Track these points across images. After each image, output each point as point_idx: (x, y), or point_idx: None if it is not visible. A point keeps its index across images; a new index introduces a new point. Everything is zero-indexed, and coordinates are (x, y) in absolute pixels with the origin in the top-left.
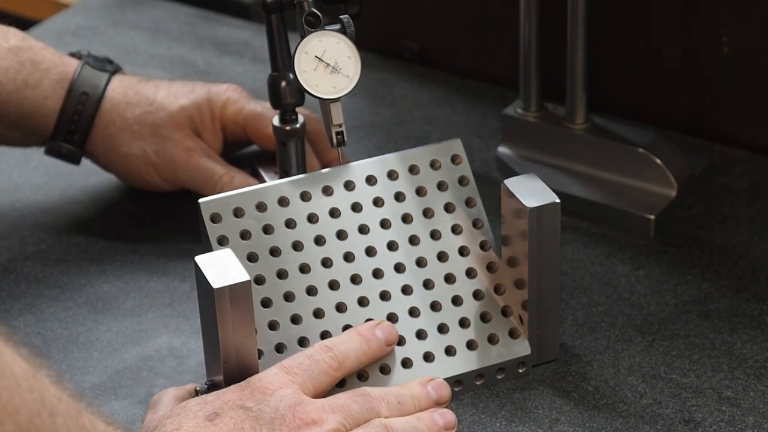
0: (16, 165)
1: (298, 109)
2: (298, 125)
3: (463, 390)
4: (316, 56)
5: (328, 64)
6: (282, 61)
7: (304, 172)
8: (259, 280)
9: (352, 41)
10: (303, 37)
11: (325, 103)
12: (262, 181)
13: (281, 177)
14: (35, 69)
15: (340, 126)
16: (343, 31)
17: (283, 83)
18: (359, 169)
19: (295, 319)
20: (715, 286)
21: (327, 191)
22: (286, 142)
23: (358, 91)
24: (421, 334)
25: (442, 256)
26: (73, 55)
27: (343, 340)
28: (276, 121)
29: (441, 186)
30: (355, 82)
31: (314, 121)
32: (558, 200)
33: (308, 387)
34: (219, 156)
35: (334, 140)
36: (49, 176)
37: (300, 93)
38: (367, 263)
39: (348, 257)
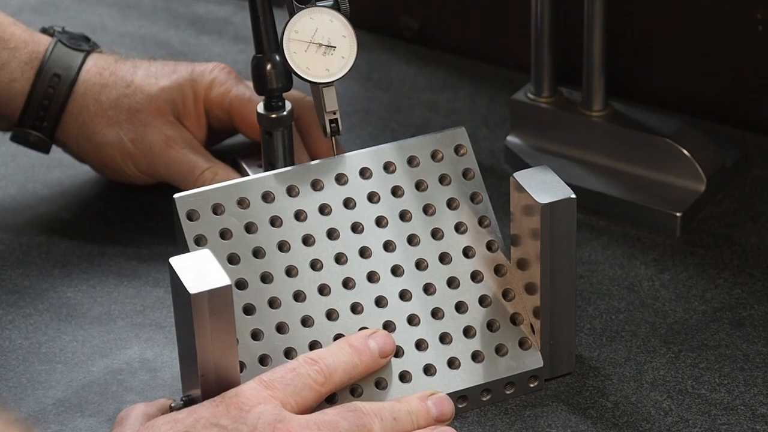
0: None
1: (290, 92)
2: (285, 113)
3: (467, 406)
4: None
5: (320, 45)
6: (267, 41)
7: (291, 165)
8: (240, 285)
9: (347, 19)
10: (292, 14)
11: (317, 88)
12: (245, 175)
13: (266, 171)
14: (2, 48)
15: (335, 113)
16: (336, 7)
17: (269, 66)
18: (352, 160)
19: (281, 328)
20: (748, 291)
21: (316, 185)
22: (271, 132)
23: (351, 74)
24: (420, 345)
25: (444, 258)
26: (45, 31)
27: (331, 351)
28: (261, 108)
29: (443, 180)
30: (350, 64)
31: (304, 106)
32: (573, 195)
33: (290, 403)
34: (202, 146)
35: (328, 129)
36: (7, 168)
37: (287, 77)
38: (361, 265)
39: (339, 259)
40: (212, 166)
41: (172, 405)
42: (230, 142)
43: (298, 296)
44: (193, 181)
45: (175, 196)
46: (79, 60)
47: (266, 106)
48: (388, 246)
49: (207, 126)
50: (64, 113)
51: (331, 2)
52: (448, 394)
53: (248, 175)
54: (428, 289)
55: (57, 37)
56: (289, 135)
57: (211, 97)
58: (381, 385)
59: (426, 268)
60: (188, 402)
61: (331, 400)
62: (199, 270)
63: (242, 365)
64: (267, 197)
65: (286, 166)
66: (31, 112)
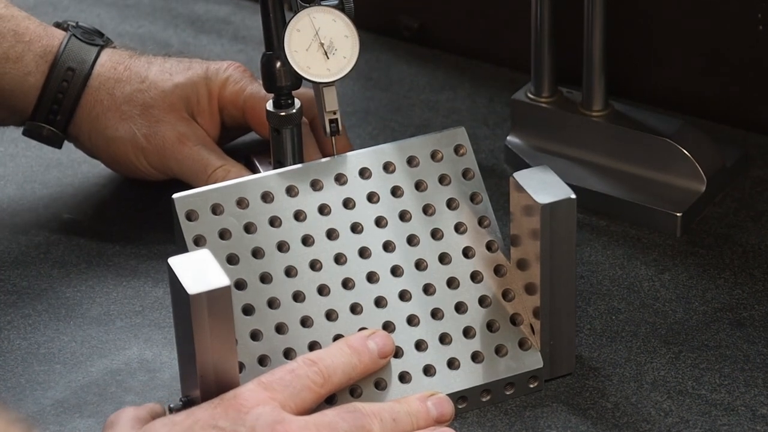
0: None
1: (301, 89)
2: (293, 110)
3: (467, 407)
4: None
5: (322, 44)
6: (277, 39)
7: (300, 163)
8: (240, 285)
9: (351, 19)
10: (295, 12)
11: (318, 87)
12: (257, 173)
13: (276, 168)
14: (17, 41)
15: (335, 113)
16: (340, 7)
17: (278, 64)
18: (352, 160)
19: (280, 329)
20: (748, 291)
21: (316, 185)
22: (280, 129)
23: (351, 74)
24: (420, 345)
25: (444, 258)
26: (58, 25)
27: (330, 352)
28: (270, 105)
29: (443, 180)
30: (352, 64)
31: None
32: (573, 195)
33: (289, 405)
34: (215, 143)
35: (328, 128)
36: (6, 168)
37: (296, 75)
38: (361, 266)
39: (339, 259)
40: (225, 164)
41: (171, 406)
42: (244, 140)
43: (298, 296)
44: (205, 178)
45: (174, 196)
46: (93, 54)
47: (275, 104)
48: (388, 246)
49: (220, 124)
50: (77, 107)
51: (336, 2)
52: (447, 394)
53: (260, 172)
54: (428, 289)
55: (71, 32)
56: (298, 133)
57: (225, 94)
58: (380, 385)
59: (426, 268)
60: (187, 403)
61: (330, 400)
62: (198, 270)
63: (241, 366)
64: (266, 197)
65: (294, 164)
66: (44, 106)
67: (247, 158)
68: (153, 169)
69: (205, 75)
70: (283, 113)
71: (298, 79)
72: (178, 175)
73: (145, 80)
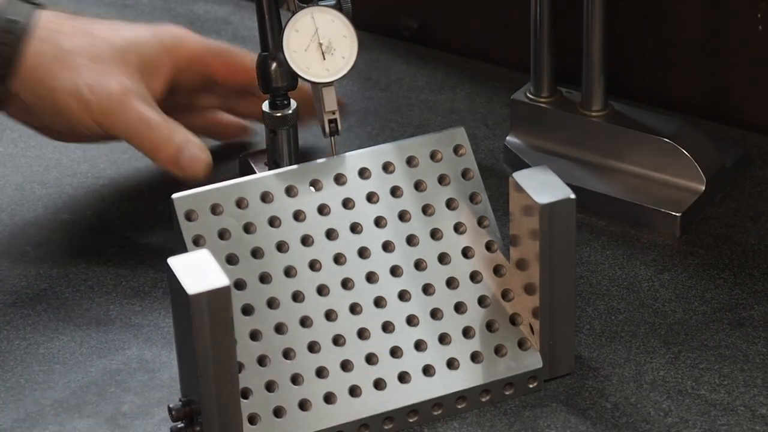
0: None
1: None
2: (289, 111)
3: (467, 407)
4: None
5: (320, 44)
6: (273, 40)
7: (296, 164)
8: (239, 285)
9: (349, 18)
10: (294, 13)
11: (317, 88)
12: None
13: (271, 169)
14: None
15: (334, 113)
16: (338, 7)
17: (274, 65)
18: (351, 160)
19: (280, 328)
20: (748, 291)
21: (315, 185)
22: (276, 130)
23: (350, 74)
24: (420, 345)
25: (443, 258)
26: None
27: None
28: (265, 106)
29: (442, 180)
30: (351, 64)
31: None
32: (573, 195)
33: None
34: (159, 107)
35: (327, 129)
36: (5, 168)
37: (292, 76)
38: (360, 266)
39: (338, 259)
40: (168, 123)
41: (171, 406)
42: (238, 142)
43: (297, 296)
44: (147, 136)
45: (174, 196)
46: (36, 10)
47: (271, 105)
48: (387, 246)
49: (168, 83)
50: (20, 59)
51: (333, 2)
52: (448, 395)
53: (255, 173)
54: (427, 289)
55: None
56: (295, 134)
57: (185, 51)
58: (380, 386)
59: (425, 268)
60: (186, 403)
61: (329, 401)
62: (197, 270)
63: (241, 366)
64: (266, 197)
65: (290, 164)
66: None
67: (243, 159)
68: (94, 124)
69: (154, 35)
70: (279, 114)
71: (294, 80)
72: (122, 133)
73: (93, 34)
